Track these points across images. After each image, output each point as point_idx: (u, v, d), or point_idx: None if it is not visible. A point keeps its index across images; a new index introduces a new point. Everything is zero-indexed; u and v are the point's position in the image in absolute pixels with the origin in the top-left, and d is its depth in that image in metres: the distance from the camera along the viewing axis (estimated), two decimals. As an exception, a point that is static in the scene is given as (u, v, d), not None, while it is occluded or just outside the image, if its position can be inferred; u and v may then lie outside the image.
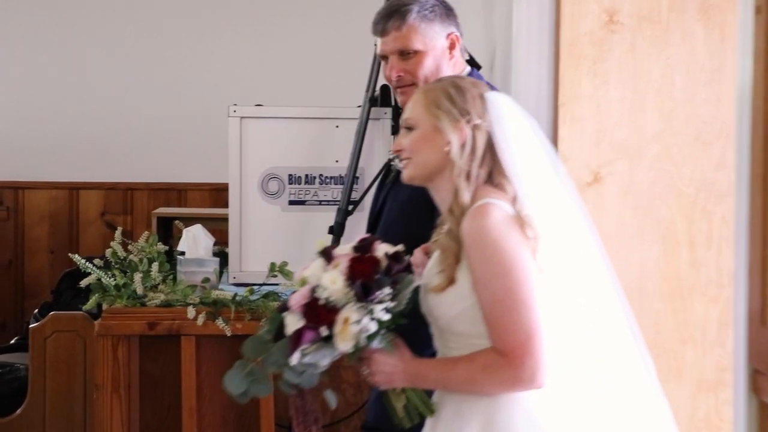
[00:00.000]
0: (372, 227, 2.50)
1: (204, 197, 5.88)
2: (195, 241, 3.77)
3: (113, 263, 3.55)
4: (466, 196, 2.01)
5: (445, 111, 2.04)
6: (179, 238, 3.89)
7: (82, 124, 5.78)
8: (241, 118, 3.74)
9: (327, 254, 2.07)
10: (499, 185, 2.02)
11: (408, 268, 2.07)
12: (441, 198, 2.09)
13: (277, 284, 3.41)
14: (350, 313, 1.98)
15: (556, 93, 2.94)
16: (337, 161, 3.78)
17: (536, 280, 1.96)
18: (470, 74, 2.51)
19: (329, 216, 3.67)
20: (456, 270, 2.00)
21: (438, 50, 2.45)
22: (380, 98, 3.81)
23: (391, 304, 1.99)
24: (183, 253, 3.68)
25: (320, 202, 3.81)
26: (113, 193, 5.86)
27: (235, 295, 3.30)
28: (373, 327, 1.98)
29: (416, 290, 2.08)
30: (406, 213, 2.29)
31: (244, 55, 5.78)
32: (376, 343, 2.01)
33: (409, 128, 2.10)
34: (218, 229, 4.24)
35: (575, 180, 2.92)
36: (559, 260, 2.00)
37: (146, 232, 3.91)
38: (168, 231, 4.28)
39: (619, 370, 2.06)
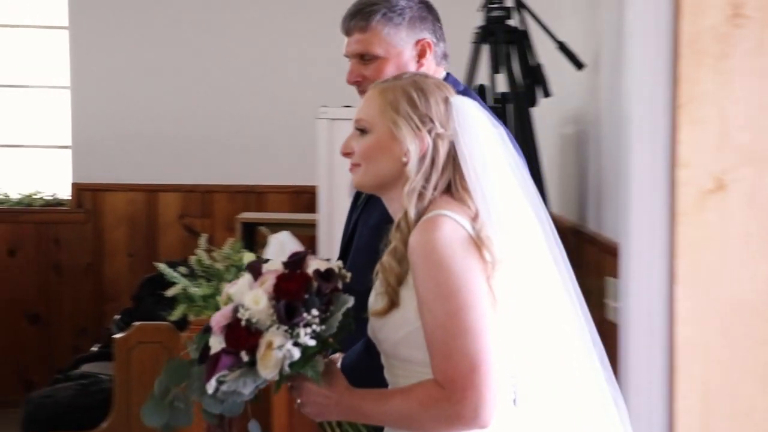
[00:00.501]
0: (344, 252, 2.28)
1: (283, 200, 5.77)
2: (282, 249, 3.64)
3: (198, 271, 3.42)
4: (413, 212, 1.78)
5: (405, 117, 1.81)
6: (263, 244, 3.77)
7: (160, 126, 5.71)
8: (331, 119, 3.60)
9: (254, 269, 1.85)
10: (460, 199, 1.80)
11: (347, 288, 1.84)
12: (395, 209, 1.87)
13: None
14: (274, 336, 1.77)
15: (675, 93, 2.73)
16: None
17: (488, 306, 1.73)
18: (445, 80, 2.24)
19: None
20: (399, 292, 1.79)
21: (403, 57, 2.21)
22: (476, 99, 3.66)
23: (318, 328, 1.78)
24: (268, 260, 3.55)
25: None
26: (192, 195, 5.77)
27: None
28: (296, 354, 1.76)
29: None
30: (378, 238, 2.06)
31: (329, 54, 5.63)
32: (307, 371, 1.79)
33: (362, 130, 1.87)
34: (303, 234, 4.10)
35: (695, 187, 2.72)
36: (519, 290, 1.78)
37: (230, 239, 3.79)
38: (251, 236, 4.16)
39: (583, 413, 1.82)
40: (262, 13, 5.69)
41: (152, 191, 5.74)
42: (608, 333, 3.21)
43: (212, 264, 3.44)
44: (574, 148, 3.82)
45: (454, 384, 1.71)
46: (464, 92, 2.24)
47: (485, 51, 3.58)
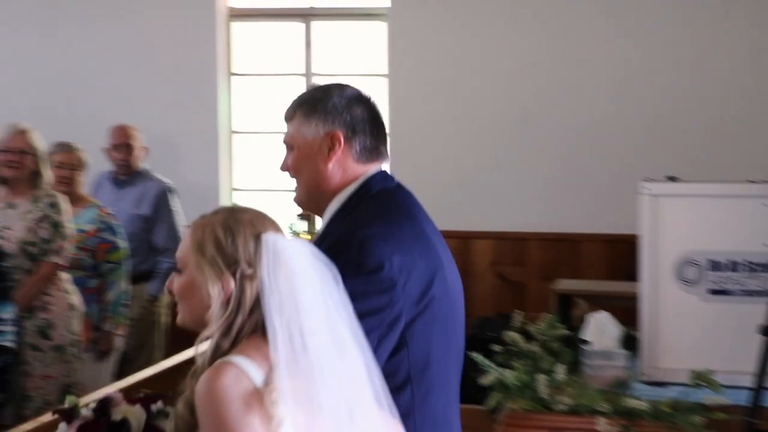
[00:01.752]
0: None
1: (598, 248, 5.60)
2: (602, 331, 3.47)
3: (513, 350, 3.35)
4: (206, 358, 1.71)
5: (209, 260, 1.75)
6: (580, 318, 3.64)
7: (472, 172, 5.73)
8: (654, 196, 3.38)
9: (67, 415, 1.88)
10: (269, 341, 1.69)
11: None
12: None
13: (702, 386, 3.04)
14: None
15: None
16: (766, 245, 3.33)
17: None
18: (369, 181, 2.17)
19: (758, 309, 3.23)
20: None
21: (313, 149, 2.16)
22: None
23: None
24: (586, 341, 3.41)
25: (748, 293, 3.39)
26: (504, 243, 5.71)
27: (654, 405, 2.95)
28: None
29: None
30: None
31: (657, 124, 5.45)
32: None
33: (180, 269, 1.82)
34: (623, 307, 3.90)
35: None
36: None
37: (546, 314, 3.67)
38: (567, 307, 4.02)
39: None
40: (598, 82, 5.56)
41: (465, 238, 5.73)
42: None
43: (527, 348, 3.35)
44: None
45: None
46: (397, 188, 2.20)
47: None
